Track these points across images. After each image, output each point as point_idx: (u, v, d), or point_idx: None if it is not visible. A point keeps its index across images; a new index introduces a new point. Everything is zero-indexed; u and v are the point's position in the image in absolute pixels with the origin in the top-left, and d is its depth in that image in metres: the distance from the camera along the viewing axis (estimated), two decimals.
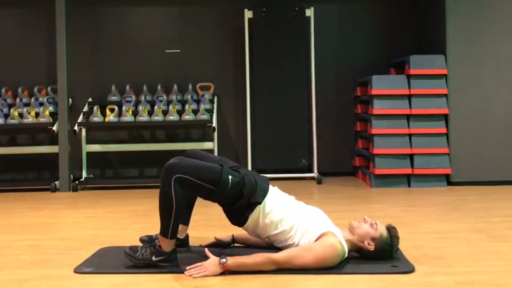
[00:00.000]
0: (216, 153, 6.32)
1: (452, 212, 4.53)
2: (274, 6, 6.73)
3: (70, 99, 6.43)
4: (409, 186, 5.95)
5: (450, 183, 5.96)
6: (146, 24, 6.94)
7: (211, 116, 6.45)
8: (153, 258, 2.94)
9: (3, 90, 6.67)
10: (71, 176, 6.26)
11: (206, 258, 2.91)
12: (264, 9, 6.65)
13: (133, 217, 4.54)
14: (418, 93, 5.96)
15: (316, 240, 2.92)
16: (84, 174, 6.49)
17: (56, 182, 6.16)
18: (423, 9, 6.76)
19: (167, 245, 2.94)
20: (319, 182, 6.30)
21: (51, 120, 6.36)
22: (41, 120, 6.35)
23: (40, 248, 3.54)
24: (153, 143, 6.74)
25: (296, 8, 6.66)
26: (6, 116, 6.42)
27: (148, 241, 2.99)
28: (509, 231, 3.83)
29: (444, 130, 5.96)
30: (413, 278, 2.79)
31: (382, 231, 3.01)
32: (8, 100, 6.62)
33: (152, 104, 6.56)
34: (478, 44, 6.00)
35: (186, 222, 3.30)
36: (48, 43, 6.79)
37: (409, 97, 6.00)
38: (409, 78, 6.00)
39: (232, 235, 3.43)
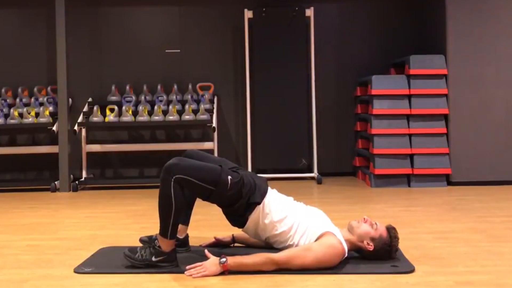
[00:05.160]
0: (216, 153, 6.33)
1: (452, 212, 4.53)
2: (274, 6, 6.73)
3: (70, 99, 6.44)
4: (409, 186, 5.95)
5: (450, 183, 5.96)
6: (146, 24, 6.93)
7: (211, 116, 6.45)
8: (153, 259, 2.94)
9: (3, 90, 6.67)
10: (71, 176, 6.26)
11: (206, 258, 2.91)
12: (264, 9, 6.65)
13: (133, 217, 4.54)
14: (418, 93, 5.96)
15: (316, 240, 2.92)
16: (84, 174, 6.49)
17: (56, 182, 6.16)
18: (423, 9, 6.76)
19: (166, 245, 2.94)
20: (319, 182, 6.30)
21: (51, 120, 6.36)
22: (41, 120, 6.35)
23: (40, 248, 3.54)
24: (153, 143, 6.74)
25: (296, 8, 6.66)
26: (6, 116, 6.42)
27: (148, 241, 2.99)
28: (509, 231, 3.83)
29: (444, 130, 5.96)
30: (413, 278, 2.79)
31: (382, 231, 3.01)
32: (8, 100, 6.62)
33: (152, 104, 6.56)
34: (478, 44, 6.00)
35: (186, 222, 3.30)
36: (48, 43, 6.79)
37: (409, 97, 6.00)
38: (409, 78, 6.00)
39: (232, 235, 3.43)
